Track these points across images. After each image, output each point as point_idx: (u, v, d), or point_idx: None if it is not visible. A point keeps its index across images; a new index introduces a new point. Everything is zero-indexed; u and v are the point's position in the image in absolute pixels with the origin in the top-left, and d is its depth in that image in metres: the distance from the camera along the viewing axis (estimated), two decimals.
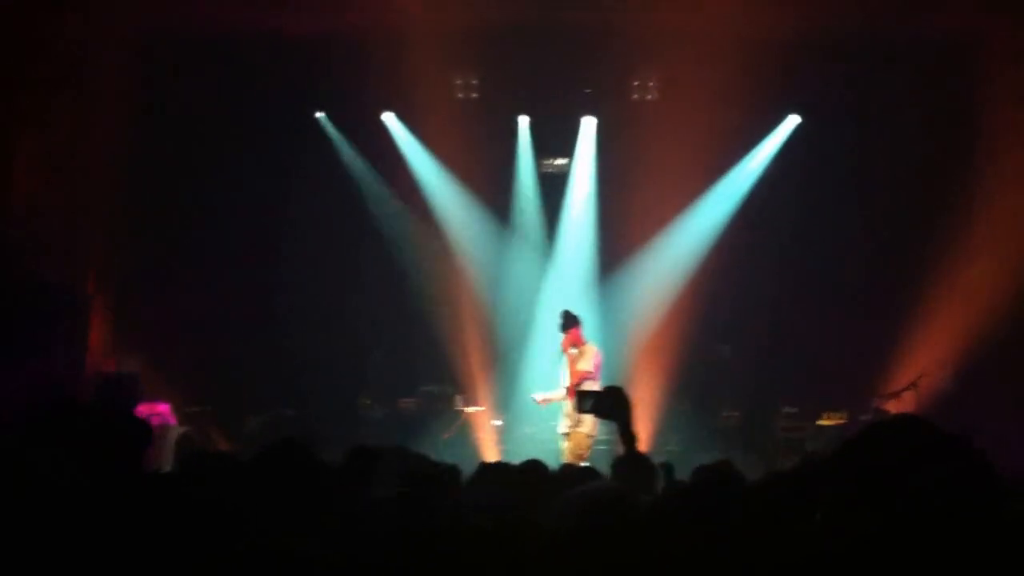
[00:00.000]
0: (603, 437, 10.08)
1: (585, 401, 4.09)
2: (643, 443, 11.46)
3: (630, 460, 3.78)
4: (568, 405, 9.86)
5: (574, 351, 10.14)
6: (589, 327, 10.74)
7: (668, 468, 5.14)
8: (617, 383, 4.02)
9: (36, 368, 10.36)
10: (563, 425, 10.00)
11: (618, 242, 13.38)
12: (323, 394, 12.37)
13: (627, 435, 3.79)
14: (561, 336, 10.23)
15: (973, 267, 11.71)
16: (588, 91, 13.22)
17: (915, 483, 1.87)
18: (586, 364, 10.07)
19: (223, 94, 12.37)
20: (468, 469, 5.03)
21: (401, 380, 12.80)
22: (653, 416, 12.31)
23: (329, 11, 11.86)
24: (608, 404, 3.82)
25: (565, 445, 9.96)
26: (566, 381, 10.01)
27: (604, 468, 5.17)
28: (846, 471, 1.99)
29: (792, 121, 13.31)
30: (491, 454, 11.70)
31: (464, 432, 12.26)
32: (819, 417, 12.06)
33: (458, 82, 12.94)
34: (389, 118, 13.39)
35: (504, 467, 4.81)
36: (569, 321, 10.32)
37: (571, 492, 2.91)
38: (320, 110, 13.43)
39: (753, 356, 12.67)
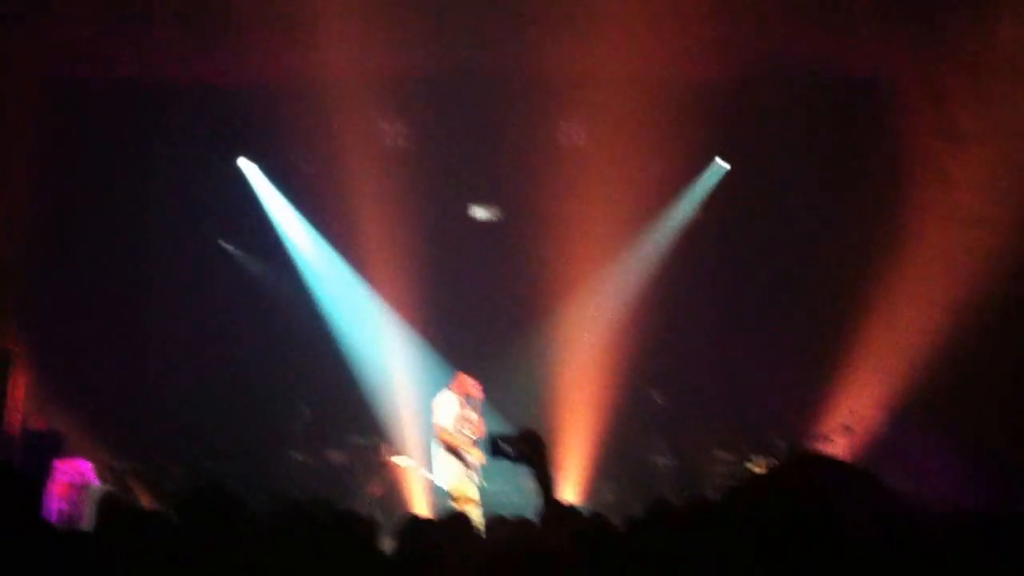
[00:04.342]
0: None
1: (501, 445, 3.76)
2: (577, 493, 11.45)
3: (552, 507, 3.54)
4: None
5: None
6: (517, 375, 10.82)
7: (599, 517, 5.05)
8: (539, 431, 3.80)
9: None
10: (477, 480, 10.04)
11: (544, 289, 13.31)
12: (247, 446, 12.08)
13: (545, 480, 3.56)
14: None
15: (905, 306, 11.74)
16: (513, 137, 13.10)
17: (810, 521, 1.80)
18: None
19: (141, 139, 12.25)
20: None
21: (328, 430, 12.55)
22: (586, 465, 12.19)
23: (255, 63, 11.77)
24: (525, 448, 3.56)
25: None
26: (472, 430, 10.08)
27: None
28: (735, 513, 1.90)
29: (718, 166, 13.34)
30: (421, 508, 11.48)
31: (393, 485, 12.04)
32: (751, 461, 12.01)
33: (384, 127, 12.80)
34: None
35: (428, 522, 4.70)
36: None
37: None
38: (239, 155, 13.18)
39: (686, 401, 12.60)
